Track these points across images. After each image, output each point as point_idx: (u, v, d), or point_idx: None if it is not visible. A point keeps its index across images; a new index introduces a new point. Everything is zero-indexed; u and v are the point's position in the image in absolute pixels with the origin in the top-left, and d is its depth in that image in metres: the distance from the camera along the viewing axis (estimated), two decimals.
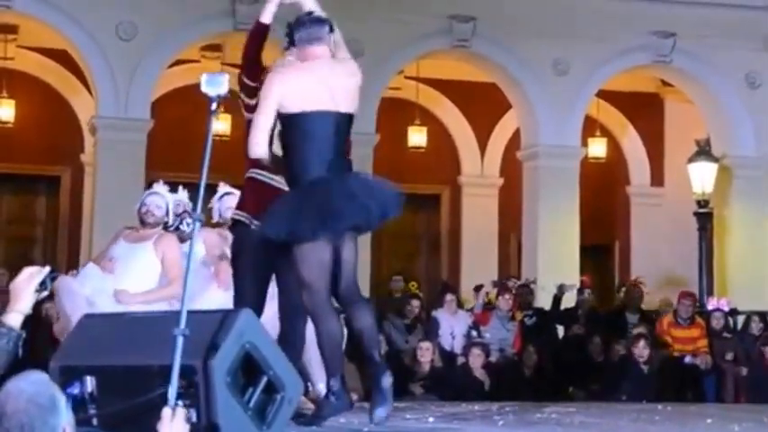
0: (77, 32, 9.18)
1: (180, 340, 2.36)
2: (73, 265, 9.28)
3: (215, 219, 5.08)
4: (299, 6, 3.81)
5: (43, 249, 10.91)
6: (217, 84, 2.73)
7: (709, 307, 8.59)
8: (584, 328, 8.33)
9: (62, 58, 10.11)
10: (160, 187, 4.90)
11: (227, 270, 4.66)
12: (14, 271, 2.46)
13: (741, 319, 8.85)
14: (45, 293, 2.35)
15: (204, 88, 2.74)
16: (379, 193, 3.61)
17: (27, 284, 2.33)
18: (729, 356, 7.93)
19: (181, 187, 5.06)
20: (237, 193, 5.06)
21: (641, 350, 7.12)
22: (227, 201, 5.01)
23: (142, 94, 9.27)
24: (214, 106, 2.72)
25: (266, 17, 3.83)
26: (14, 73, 10.44)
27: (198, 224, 2.71)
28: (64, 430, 1.90)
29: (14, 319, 2.32)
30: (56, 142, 10.66)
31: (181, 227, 4.86)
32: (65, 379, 2.84)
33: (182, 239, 4.81)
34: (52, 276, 2.37)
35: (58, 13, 9.15)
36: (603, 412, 5.06)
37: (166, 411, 2.14)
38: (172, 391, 2.31)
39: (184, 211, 4.92)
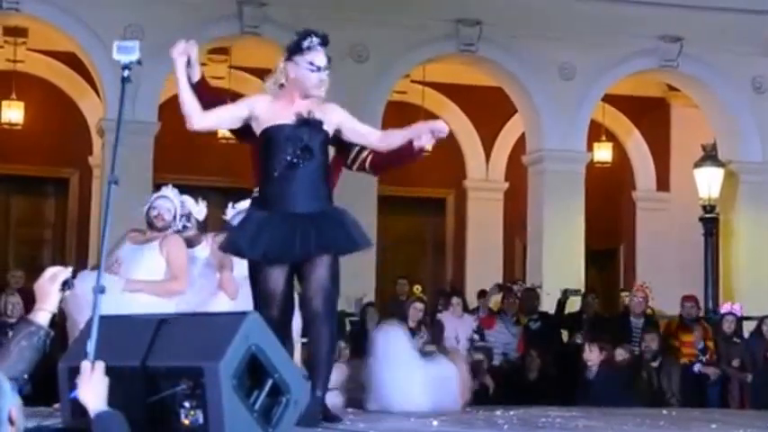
0: (86, 35, 9.24)
1: (99, 297, 2.43)
2: (82, 266, 9.31)
3: (228, 218, 5.10)
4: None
5: (52, 251, 10.96)
6: (128, 51, 2.77)
7: (722, 311, 8.60)
8: (587, 335, 8.34)
9: (71, 60, 10.18)
10: (169, 191, 4.91)
11: (230, 281, 4.70)
12: (26, 272, 2.53)
13: (746, 325, 8.84)
14: (68, 292, 2.40)
15: (116, 56, 2.77)
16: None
17: (51, 284, 2.39)
18: (736, 363, 7.94)
19: (200, 200, 5.06)
20: None
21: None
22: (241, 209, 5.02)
23: (149, 97, 9.31)
24: (126, 73, 2.77)
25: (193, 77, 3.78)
26: (24, 75, 10.51)
27: (114, 186, 2.73)
28: (10, 412, 1.93)
29: (43, 317, 2.38)
30: (64, 144, 10.71)
31: (182, 231, 4.87)
32: (73, 380, 2.87)
33: (186, 242, 4.82)
34: (74, 277, 2.43)
35: (67, 15, 9.21)
36: (607, 416, 5.07)
37: (85, 364, 2.23)
38: (91, 345, 2.37)
39: (187, 213, 4.93)
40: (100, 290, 2.54)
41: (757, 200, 10.33)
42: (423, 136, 3.74)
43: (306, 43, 3.66)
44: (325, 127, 3.67)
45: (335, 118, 3.72)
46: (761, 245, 10.23)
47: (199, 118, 3.71)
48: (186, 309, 4.46)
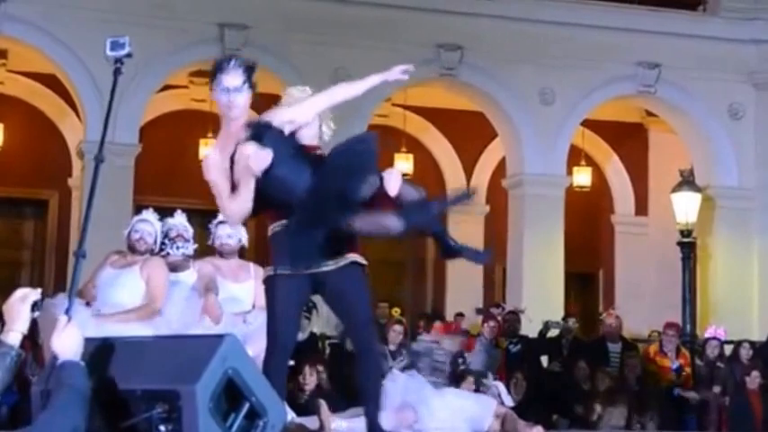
0: (66, 57, 9.24)
1: (81, 261, 2.62)
2: (60, 289, 9.25)
3: (210, 242, 5.11)
4: None
5: (30, 273, 10.88)
6: (120, 47, 2.97)
7: (707, 335, 8.68)
8: (566, 360, 8.38)
9: (51, 82, 10.16)
10: (149, 214, 4.90)
11: (214, 305, 4.69)
12: (3, 294, 2.53)
13: (726, 348, 8.91)
14: (37, 314, 2.41)
15: (108, 53, 2.99)
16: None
17: (22, 304, 2.40)
18: (717, 389, 7.98)
19: (179, 212, 5.07)
20: None
21: None
22: (221, 228, 5.04)
23: (130, 119, 9.31)
24: (119, 65, 3.01)
25: None
26: (3, 97, 10.48)
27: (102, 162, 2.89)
28: None
29: (14, 338, 2.39)
30: (44, 166, 10.67)
31: (171, 251, 4.86)
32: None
33: (171, 267, 4.81)
34: (42, 299, 2.44)
35: (47, 37, 9.21)
36: None
37: (63, 317, 2.43)
38: (71, 303, 2.57)
39: (178, 235, 4.93)
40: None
41: (733, 224, 10.45)
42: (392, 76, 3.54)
43: (219, 66, 3.33)
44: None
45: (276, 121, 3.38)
46: (737, 268, 10.33)
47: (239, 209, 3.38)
48: (169, 332, 4.43)
